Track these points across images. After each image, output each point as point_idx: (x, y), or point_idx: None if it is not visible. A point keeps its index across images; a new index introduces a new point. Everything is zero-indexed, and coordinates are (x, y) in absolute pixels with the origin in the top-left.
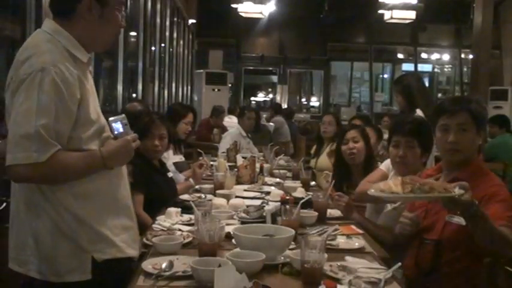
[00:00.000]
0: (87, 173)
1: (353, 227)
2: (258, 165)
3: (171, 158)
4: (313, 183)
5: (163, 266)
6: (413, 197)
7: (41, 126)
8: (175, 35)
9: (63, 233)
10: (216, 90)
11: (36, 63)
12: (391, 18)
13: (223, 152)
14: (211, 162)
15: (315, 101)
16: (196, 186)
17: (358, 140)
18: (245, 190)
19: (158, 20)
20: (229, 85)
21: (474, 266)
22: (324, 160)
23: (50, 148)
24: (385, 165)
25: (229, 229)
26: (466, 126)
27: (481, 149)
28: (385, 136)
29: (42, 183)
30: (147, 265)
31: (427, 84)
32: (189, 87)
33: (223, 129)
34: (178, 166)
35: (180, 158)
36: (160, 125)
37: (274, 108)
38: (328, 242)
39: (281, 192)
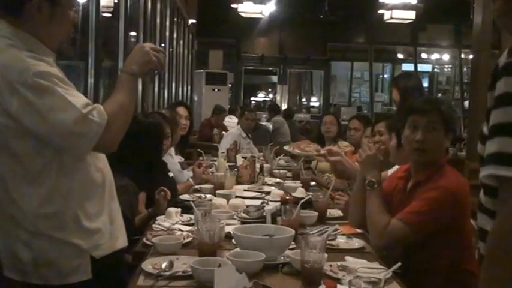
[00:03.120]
0: (132, 94)
1: None
2: (258, 165)
3: (174, 157)
4: (313, 183)
5: (163, 266)
6: (300, 153)
7: (79, 107)
8: (175, 35)
9: (53, 237)
10: (216, 90)
11: (20, 69)
12: (391, 18)
13: (223, 152)
14: (211, 162)
15: (315, 101)
16: (196, 186)
17: (382, 133)
18: (245, 190)
19: (158, 20)
20: (229, 85)
21: (453, 270)
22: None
23: (97, 107)
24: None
25: (229, 229)
26: (435, 125)
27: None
28: None
29: (122, 135)
30: (147, 265)
31: (426, 84)
32: (189, 87)
33: (224, 129)
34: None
35: (180, 158)
36: (164, 124)
37: (270, 109)
38: (328, 242)
39: (281, 192)
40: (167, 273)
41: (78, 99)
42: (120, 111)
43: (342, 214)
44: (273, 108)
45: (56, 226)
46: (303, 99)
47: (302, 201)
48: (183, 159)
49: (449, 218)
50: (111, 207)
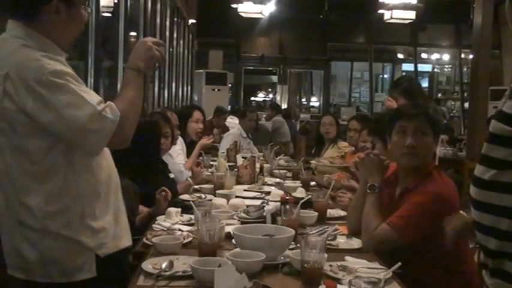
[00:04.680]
0: (140, 90)
1: None
2: (258, 165)
3: (175, 157)
4: (313, 183)
5: (163, 266)
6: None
7: (94, 104)
8: (175, 35)
9: (59, 235)
10: (216, 90)
11: (36, 68)
12: (391, 18)
13: (223, 152)
14: (211, 162)
15: (315, 101)
16: (196, 186)
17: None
18: (245, 190)
19: (158, 20)
20: (229, 85)
21: (451, 272)
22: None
23: (109, 105)
24: None
25: (229, 229)
26: (424, 129)
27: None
28: None
29: (133, 131)
30: (147, 265)
31: (426, 84)
32: (189, 87)
33: (224, 129)
34: None
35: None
36: (163, 124)
37: (272, 107)
38: (328, 242)
39: (281, 192)
40: (167, 273)
41: (92, 96)
42: (131, 108)
43: (342, 214)
44: (274, 106)
45: (62, 224)
46: (303, 99)
47: (302, 201)
48: (186, 159)
49: (438, 222)
50: (117, 206)
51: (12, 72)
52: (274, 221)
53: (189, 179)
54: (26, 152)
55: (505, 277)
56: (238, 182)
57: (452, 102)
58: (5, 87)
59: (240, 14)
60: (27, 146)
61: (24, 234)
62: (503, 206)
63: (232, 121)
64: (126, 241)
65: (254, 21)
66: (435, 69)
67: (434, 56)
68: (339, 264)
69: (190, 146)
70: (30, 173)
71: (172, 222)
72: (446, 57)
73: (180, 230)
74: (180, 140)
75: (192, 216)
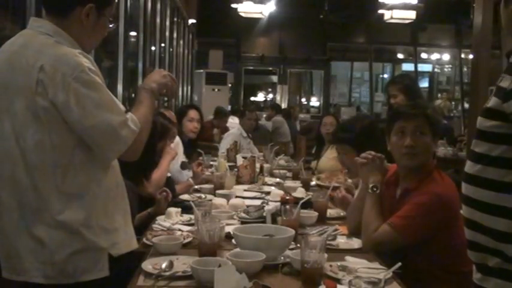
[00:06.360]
0: (152, 109)
1: None
2: (258, 165)
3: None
4: (313, 183)
5: (163, 266)
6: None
7: (123, 111)
8: (175, 35)
9: (74, 233)
10: (216, 90)
11: (75, 64)
12: (391, 18)
13: (223, 152)
14: (211, 162)
15: (315, 101)
16: (196, 186)
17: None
18: (245, 190)
19: (158, 20)
20: (229, 85)
21: (448, 272)
22: (326, 162)
23: (131, 116)
24: None
25: (229, 229)
26: (423, 129)
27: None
28: None
29: (143, 146)
30: (147, 265)
31: (427, 84)
32: (189, 87)
33: (224, 130)
34: (183, 166)
35: (184, 158)
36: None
37: (272, 107)
38: (328, 242)
39: (281, 192)
40: (167, 273)
41: (119, 104)
42: (144, 124)
43: (342, 214)
44: (274, 106)
45: (78, 222)
46: (303, 99)
47: (302, 201)
48: (186, 159)
49: (439, 222)
50: (125, 208)
51: (47, 65)
52: (274, 221)
53: (190, 179)
54: (51, 147)
55: (488, 272)
56: (238, 182)
57: (453, 102)
58: (39, 78)
59: (240, 14)
60: (53, 141)
61: (35, 232)
62: (486, 202)
63: (232, 121)
64: (135, 242)
65: (254, 21)
66: (435, 69)
67: (434, 56)
68: (339, 264)
69: (188, 145)
70: (52, 168)
71: (172, 222)
72: (446, 57)
73: (180, 230)
74: (176, 141)
75: (192, 216)
